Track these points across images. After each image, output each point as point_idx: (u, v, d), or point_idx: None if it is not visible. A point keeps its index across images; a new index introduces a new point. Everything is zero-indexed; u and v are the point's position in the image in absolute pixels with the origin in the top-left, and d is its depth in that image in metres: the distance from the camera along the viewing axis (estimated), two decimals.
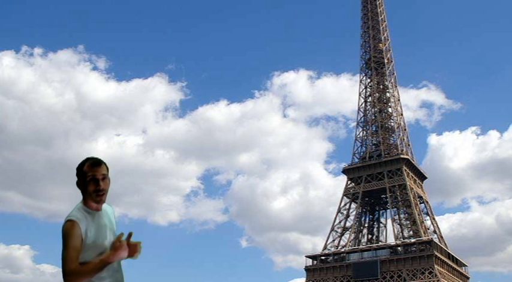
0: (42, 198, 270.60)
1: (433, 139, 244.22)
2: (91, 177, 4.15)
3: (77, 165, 4.26)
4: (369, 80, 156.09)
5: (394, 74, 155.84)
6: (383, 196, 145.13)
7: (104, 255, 4.07)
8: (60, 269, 3.91)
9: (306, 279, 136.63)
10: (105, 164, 4.30)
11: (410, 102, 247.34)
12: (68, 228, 3.96)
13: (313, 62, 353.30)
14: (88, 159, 4.28)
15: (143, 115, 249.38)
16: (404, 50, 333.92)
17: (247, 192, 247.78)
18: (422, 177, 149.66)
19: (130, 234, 4.16)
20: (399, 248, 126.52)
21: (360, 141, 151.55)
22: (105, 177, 4.23)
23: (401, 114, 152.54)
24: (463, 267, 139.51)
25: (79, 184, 4.23)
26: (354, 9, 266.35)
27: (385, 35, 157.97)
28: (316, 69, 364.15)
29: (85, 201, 4.24)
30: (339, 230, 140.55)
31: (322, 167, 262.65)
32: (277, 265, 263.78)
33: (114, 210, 4.61)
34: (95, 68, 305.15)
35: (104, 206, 4.42)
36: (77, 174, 4.24)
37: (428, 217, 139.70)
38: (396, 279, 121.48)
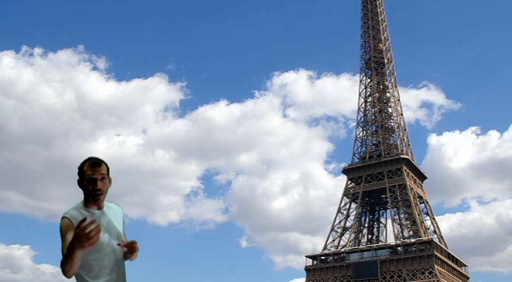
0: (42, 198, 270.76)
1: (433, 139, 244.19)
2: (89, 177, 4.25)
3: (77, 165, 4.33)
4: (369, 80, 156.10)
5: (394, 74, 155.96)
6: (383, 196, 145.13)
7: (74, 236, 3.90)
8: (60, 269, 4.07)
9: (306, 279, 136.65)
10: (105, 163, 4.38)
11: (410, 102, 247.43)
12: (62, 225, 4.14)
13: (313, 62, 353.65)
14: (89, 159, 4.37)
15: (143, 115, 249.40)
16: (404, 50, 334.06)
17: (247, 192, 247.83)
18: (422, 177, 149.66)
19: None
20: (399, 248, 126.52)
21: (360, 141, 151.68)
22: (104, 177, 4.30)
23: (401, 114, 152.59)
24: (463, 267, 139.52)
25: (80, 183, 4.34)
26: (354, 9, 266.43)
27: (385, 35, 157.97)
28: (316, 69, 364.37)
29: (85, 200, 4.34)
30: (339, 230, 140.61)
31: (322, 167, 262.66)
32: (277, 265, 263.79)
33: (121, 211, 4.64)
34: (95, 68, 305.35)
35: (111, 206, 4.51)
36: (78, 174, 4.34)
37: (428, 217, 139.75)
38: (396, 279, 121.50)
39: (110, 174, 4.46)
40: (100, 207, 4.37)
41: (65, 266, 3.90)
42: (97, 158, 4.37)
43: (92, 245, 3.78)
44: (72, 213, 4.22)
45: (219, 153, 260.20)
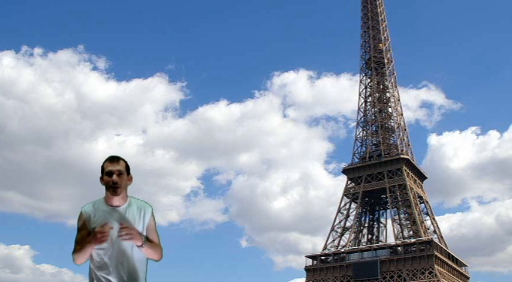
0: (42, 198, 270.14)
1: (433, 139, 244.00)
2: (107, 172, 4.57)
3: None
4: (369, 80, 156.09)
5: (394, 74, 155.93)
6: (383, 196, 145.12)
7: (87, 239, 4.47)
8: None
9: (306, 279, 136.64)
10: (124, 161, 4.70)
11: (410, 102, 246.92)
12: (78, 218, 4.62)
13: (313, 62, 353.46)
14: (109, 156, 4.72)
15: (143, 115, 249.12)
16: (404, 50, 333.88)
17: (247, 192, 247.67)
18: (422, 177, 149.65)
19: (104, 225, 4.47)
20: (399, 248, 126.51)
21: (360, 141, 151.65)
22: (121, 173, 4.59)
23: (401, 114, 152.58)
24: (463, 267, 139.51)
25: (101, 180, 4.67)
26: (354, 9, 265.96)
27: (385, 35, 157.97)
28: (316, 69, 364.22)
29: (106, 196, 4.65)
30: (339, 230, 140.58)
31: (322, 167, 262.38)
32: (277, 265, 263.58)
33: (149, 210, 4.74)
34: (95, 68, 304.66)
35: (135, 203, 4.71)
36: (101, 172, 4.67)
37: (428, 217, 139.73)
38: (396, 279, 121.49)
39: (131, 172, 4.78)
40: (119, 205, 4.62)
41: (76, 256, 4.45)
42: (117, 156, 4.70)
43: (100, 243, 4.39)
44: (86, 208, 4.64)
45: (219, 153, 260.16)
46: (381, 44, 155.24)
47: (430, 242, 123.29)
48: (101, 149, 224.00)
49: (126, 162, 4.67)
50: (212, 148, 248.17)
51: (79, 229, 4.57)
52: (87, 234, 4.49)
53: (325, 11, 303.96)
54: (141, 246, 4.52)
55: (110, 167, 4.55)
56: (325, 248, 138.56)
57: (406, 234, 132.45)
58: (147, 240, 4.69)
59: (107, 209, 4.58)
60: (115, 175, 4.53)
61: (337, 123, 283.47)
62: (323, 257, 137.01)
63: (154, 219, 4.80)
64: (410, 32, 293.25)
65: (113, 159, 4.61)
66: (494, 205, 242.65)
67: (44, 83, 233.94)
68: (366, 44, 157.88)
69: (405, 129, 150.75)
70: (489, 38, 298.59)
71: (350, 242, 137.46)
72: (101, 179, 4.60)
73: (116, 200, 4.59)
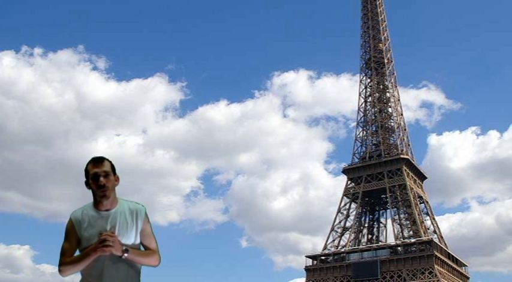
0: (42, 198, 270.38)
1: (433, 139, 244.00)
2: (93, 175, 4.22)
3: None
4: (369, 80, 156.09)
5: (394, 74, 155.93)
6: (383, 196, 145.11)
7: (89, 248, 4.13)
8: (58, 267, 4.17)
9: (306, 279, 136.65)
10: (108, 161, 4.34)
11: (410, 102, 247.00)
12: (66, 225, 4.28)
13: (313, 62, 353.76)
14: (92, 158, 4.34)
15: (143, 115, 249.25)
16: (404, 50, 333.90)
17: (247, 192, 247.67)
18: (422, 177, 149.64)
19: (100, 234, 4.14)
20: (399, 248, 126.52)
21: (360, 141, 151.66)
22: (107, 174, 4.24)
23: (401, 114, 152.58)
24: (463, 267, 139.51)
25: (86, 184, 4.32)
26: (354, 9, 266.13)
27: (385, 35, 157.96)
28: (316, 69, 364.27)
29: (94, 200, 4.31)
30: (339, 230, 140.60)
31: (322, 167, 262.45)
32: (277, 265, 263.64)
33: (142, 212, 4.38)
34: (95, 68, 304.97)
35: (127, 206, 4.36)
36: (85, 176, 4.32)
37: (428, 217, 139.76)
38: (396, 279, 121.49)
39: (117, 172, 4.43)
40: (109, 208, 4.29)
41: (68, 267, 4.12)
42: (100, 156, 4.36)
43: (103, 252, 4.08)
44: (76, 214, 4.29)
45: (219, 153, 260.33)
46: (381, 44, 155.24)
47: (430, 242, 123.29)
48: (100, 149, 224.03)
49: (110, 162, 4.35)
50: (212, 148, 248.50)
51: (67, 237, 4.22)
52: (76, 243, 4.21)
53: (325, 11, 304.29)
54: (121, 256, 4.13)
55: (95, 169, 4.20)
56: (325, 248, 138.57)
57: (406, 234, 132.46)
58: (142, 246, 4.40)
59: (95, 214, 4.25)
60: (102, 177, 4.19)
61: (337, 123, 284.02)
62: (323, 257, 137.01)
63: (149, 221, 4.43)
64: (410, 32, 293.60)
65: (97, 161, 4.27)
66: (494, 205, 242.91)
67: (44, 83, 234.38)
68: (366, 44, 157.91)
69: (405, 129, 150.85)
70: (489, 38, 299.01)
71: (350, 242, 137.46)
72: (86, 183, 4.28)
73: (106, 204, 4.25)
